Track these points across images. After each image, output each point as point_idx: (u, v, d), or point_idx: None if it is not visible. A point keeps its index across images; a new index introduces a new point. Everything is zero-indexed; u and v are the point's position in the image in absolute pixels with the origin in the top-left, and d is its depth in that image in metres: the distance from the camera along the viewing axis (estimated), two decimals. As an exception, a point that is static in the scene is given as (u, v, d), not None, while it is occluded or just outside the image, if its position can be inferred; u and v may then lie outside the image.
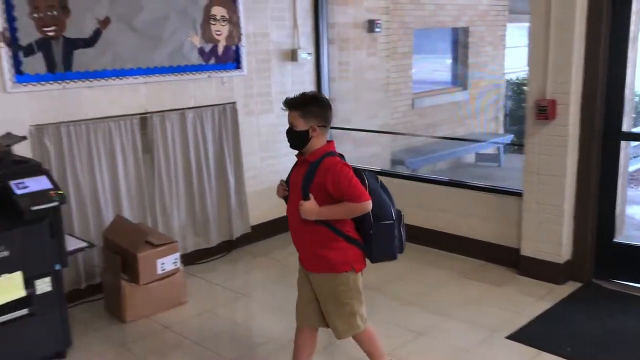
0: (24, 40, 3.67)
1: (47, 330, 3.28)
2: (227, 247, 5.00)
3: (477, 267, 4.60)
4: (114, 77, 4.11)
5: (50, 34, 3.77)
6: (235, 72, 4.85)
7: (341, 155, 2.78)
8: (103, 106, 4.10)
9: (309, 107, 2.68)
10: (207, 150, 4.73)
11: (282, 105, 2.76)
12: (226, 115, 4.83)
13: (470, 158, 8.40)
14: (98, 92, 4.06)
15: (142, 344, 3.59)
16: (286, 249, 5.08)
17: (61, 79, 3.86)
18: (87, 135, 4.02)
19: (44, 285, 3.21)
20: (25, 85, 3.71)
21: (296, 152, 2.80)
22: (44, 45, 3.75)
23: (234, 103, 4.87)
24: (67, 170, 3.96)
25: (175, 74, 4.45)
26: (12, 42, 3.62)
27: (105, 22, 3.98)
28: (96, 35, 3.96)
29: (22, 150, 3.55)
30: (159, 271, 3.84)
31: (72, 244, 3.51)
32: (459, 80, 8.37)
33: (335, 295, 2.76)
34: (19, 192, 3.08)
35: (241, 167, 4.98)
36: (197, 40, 4.54)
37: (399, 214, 2.80)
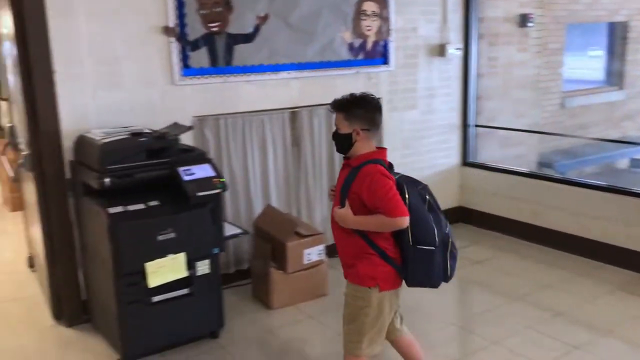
0: (191, 36, 3.90)
1: (203, 310, 3.46)
2: (367, 242, 5.01)
3: (637, 280, 4.23)
4: (269, 72, 4.25)
5: (215, 29, 3.97)
6: (382, 68, 4.83)
7: (390, 165, 2.61)
8: (258, 100, 4.26)
9: (354, 110, 2.55)
10: (351, 145, 4.76)
11: (329, 107, 2.65)
12: (371, 110, 4.82)
13: (622, 164, 7.77)
14: (254, 87, 4.22)
15: (287, 331, 3.69)
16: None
17: (222, 73, 4.06)
18: (242, 128, 4.21)
19: (203, 267, 3.39)
20: (190, 79, 3.95)
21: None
22: (208, 40, 3.96)
23: (379, 99, 4.83)
24: (223, 160, 4.16)
25: (325, 69, 4.52)
26: (181, 37, 3.86)
27: (265, 18, 4.13)
28: (255, 31, 4.12)
29: (185, 139, 3.78)
30: (305, 261, 3.93)
31: (228, 230, 3.68)
32: (615, 78, 7.74)
33: (351, 307, 2.60)
34: (186, 178, 3.28)
35: (383, 163, 4.96)
36: (347, 36, 4.57)
37: (445, 239, 2.55)
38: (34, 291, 4.32)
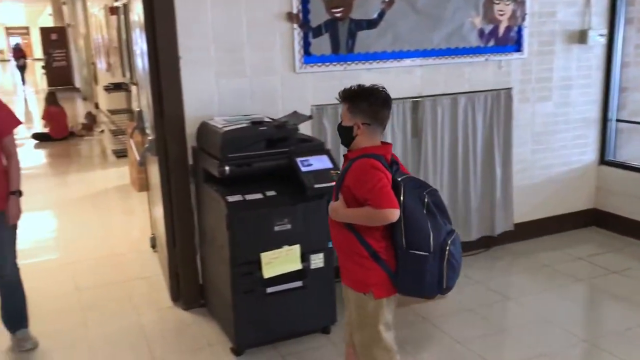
0: (314, 22, 3.79)
1: (316, 304, 3.38)
2: (487, 242, 4.70)
3: None
4: (392, 60, 4.06)
5: (338, 15, 3.84)
6: (515, 55, 4.47)
7: (393, 163, 2.41)
8: (379, 88, 4.09)
9: (357, 102, 2.37)
10: (475, 138, 4.46)
11: (337, 96, 2.45)
12: (500, 101, 4.49)
13: None
14: (376, 75, 4.04)
15: (403, 333, 3.50)
16: (554, 252, 4.62)
17: (343, 60, 3.92)
18: (361, 117, 4.05)
19: (317, 260, 3.30)
20: (311, 66, 3.85)
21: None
22: (331, 26, 3.84)
23: (509, 89, 4.51)
24: (340, 151, 4.02)
25: (452, 56, 4.25)
26: (304, 24, 3.77)
27: (391, 3, 3.93)
28: (380, 16, 3.94)
29: (303, 128, 3.69)
30: (423, 261, 3.72)
31: (343, 223, 3.55)
32: None
33: (355, 314, 2.50)
34: (304, 169, 3.19)
35: (510, 158, 4.61)
36: (477, 21, 4.26)
37: (443, 246, 2.30)
38: (155, 271, 4.47)
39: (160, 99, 3.58)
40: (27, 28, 39.77)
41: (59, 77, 19.00)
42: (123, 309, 3.93)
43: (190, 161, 3.67)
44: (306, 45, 3.80)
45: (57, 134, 10.27)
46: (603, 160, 5.01)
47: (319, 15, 3.79)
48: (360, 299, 2.44)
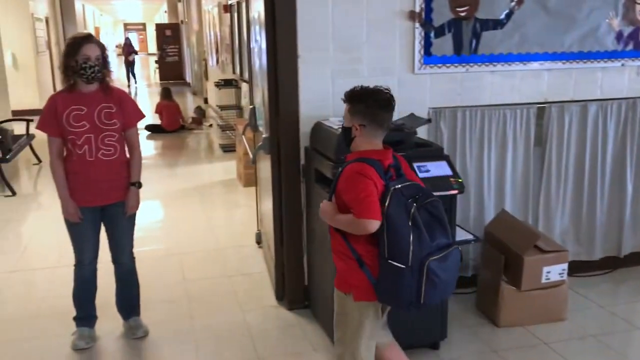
0: (436, 21, 3.62)
1: (427, 318, 3.22)
2: (611, 263, 4.31)
3: None
4: (517, 62, 3.81)
5: (462, 14, 3.64)
6: (657, 61, 4.06)
7: (390, 168, 2.34)
8: (502, 93, 3.85)
9: (356, 104, 2.38)
10: (605, 150, 4.11)
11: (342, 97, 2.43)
12: (635, 111, 4.10)
13: None
14: (499, 78, 3.82)
15: (516, 355, 3.29)
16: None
17: (465, 61, 3.72)
18: (480, 122, 3.83)
19: (430, 272, 3.13)
20: (431, 67, 3.68)
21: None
22: (454, 26, 3.65)
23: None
24: (457, 157, 3.84)
25: (584, 60, 3.92)
26: (426, 23, 3.61)
27: (520, 1, 3.68)
28: (508, 16, 3.70)
29: (418, 132, 3.53)
30: (543, 280, 3.46)
31: (458, 234, 3.36)
32: None
33: (336, 311, 2.54)
34: (421, 175, 3.03)
35: (644, 173, 4.21)
36: (615, 23, 3.91)
37: (423, 261, 2.21)
38: (259, 268, 4.49)
39: (277, 97, 3.55)
40: (143, 24, 42.13)
41: (171, 71, 19.90)
42: (228, 304, 3.95)
43: (302, 161, 3.62)
44: (427, 45, 3.63)
45: (169, 126, 10.70)
46: None
47: (442, 14, 3.61)
48: (341, 298, 2.47)
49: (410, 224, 2.24)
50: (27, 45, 12.88)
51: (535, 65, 3.84)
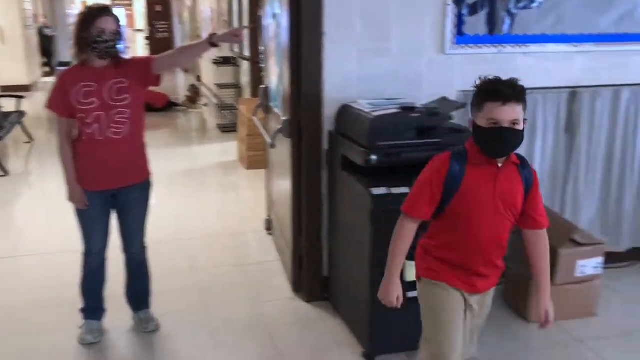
0: (470, -2, 3.41)
1: (459, 314, 3.05)
2: (638, 255, 4.18)
3: None
4: (551, 44, 3.61)
5: (497, -9, 3.43)
6: (693, 45, 3.88)
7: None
8: (534, 76, 3.63)
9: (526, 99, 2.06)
10: (636, 138, 3.93)
11: (498, 95, 1.98)
12: (669, 97, 3.93)
13: None
14: (532, 60, 3.61)
15: (551, 353, 3.14)
16: None
17: (498, 42, 3.52)
18: (510, 107, 3.64)
19: (465, 266, 2.96)
20: (463, 47, 3.47)
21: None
22: (489, 3, 3.43)
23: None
24: (485, 143, 3.65)
25: (620, 43, 3.73)
26: (459, 0, 3.38)
27: (563, -22, 3.47)
28: (546, -7, 3.49)
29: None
30: (578, 273, 3.31)
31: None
32: None
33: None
34: (459, 164, 2.85)
35: (675, 163, 4.05)
36: (654, 3, 3.72)
37: None
38: (271, 256, 4.29)
39: (299, 77, 3.32)
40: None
41: (161, 48, 19.18)
42: (243, 295, 3.76)
43: (326, 146, 3.41)
44: (460, 23, 3.42)
45: (156, 103, 10.11)
46: None
47: (476, -9, 3.40)
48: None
49: None
50: (14, 19, 12.43)
51: (569, 47, 3.64)
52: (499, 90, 2.00)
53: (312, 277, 3.63)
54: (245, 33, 5.06)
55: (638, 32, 3.72)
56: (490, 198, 2.10)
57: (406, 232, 2.19)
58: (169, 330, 3.35)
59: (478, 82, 2.11)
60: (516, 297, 3.51)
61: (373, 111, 2.95)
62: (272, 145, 3.65)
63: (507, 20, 3.48)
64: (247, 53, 8.01)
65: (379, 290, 2.27)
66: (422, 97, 3.37)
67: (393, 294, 2.24)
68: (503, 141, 2.04)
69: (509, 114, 1.99)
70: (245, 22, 7.76)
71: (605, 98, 3.80)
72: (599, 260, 3.34)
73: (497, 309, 3.53)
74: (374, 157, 2.84)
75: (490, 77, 2.08)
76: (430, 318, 2.29)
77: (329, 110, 3.35)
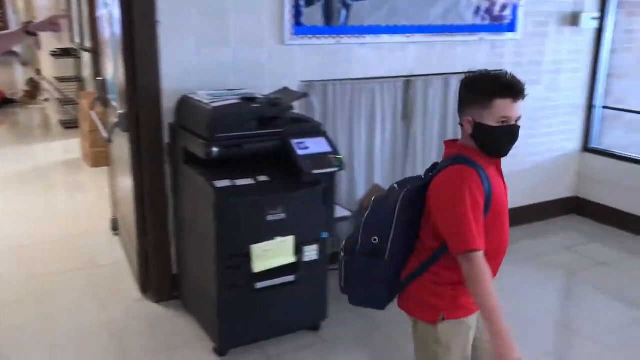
0: (306, -11, 3.45)
1: (308, 300, 3.11)
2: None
3: None
4: (385, 35, 3.77)
5: (332, -17, 3.50)
6: (509, 36, 4.25)
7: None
8: (371, 66, 3.80)
9: None
10: (465, 122, 4.25)
11: (510, 92, 1.85)
12: (491, 84, 4.28)
13: None
14: (369, 50, 3.75)
15: (397, 327, 3.29)
16: (538, 241, 4.52)
17: (336, 33, 3.60)
18: (350, 96, 3.75)
19: (311, 253, 3.01)
20: (302, 38, 3.51)
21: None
22: (325, -5, 3.51)
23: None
24: (328, 132, 3.72)
25: (447, 34, 3.99)
26: (296, -10, 3.42)
27: (389, -29, 3.63)
28: (378, -14, 3.63)
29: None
30: (417, 252, 3.50)
31: (337, 212, 3.27)
32: None
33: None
34: (300, 152, 2.89)
35: (498, 144, 4.42)
36: (474, -3, 4.02)
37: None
38: (118, 258, 4.08)
39: (134, 69, 3.16)
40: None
41: (-5, 39, 17.70)
42: (87, 301, 3.54)
43: (167, 139, 3.29)
44: (298, 14, 3.45)
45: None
46: (586, 147, 4.91)
47: (314, -18, 3.45)
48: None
49: None
50: None
51: (402, 38, 3.83)
52: (512, 86, 1.86)
53: (160, 276, 3.50)
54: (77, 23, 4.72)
55: (462, 24, 4.00)
56: (505, 198, 1.99)
57: (487, 270, 1.84)
58: (3, 348, 3.05)
59: (474, 78, 1.94)
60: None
61: (212, 102, 2.89)
62: (109, 140, 3.46)
63: (343, 12, 3.58)
64: (87, 44, 7.52)
65: (501, 352, 1.82)
66: (264, 88, 3.37)
67: (517, 349, 1.83)
68: (514, 139, 1.93)
69: (517, 111, 1.89)
70: (85, 11, 7.27)
71: (437, 86, 4.06)
72: (436, 238, 3.55)
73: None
74: (215, 149, 2.78)
75: (484, 72, 1.94)
76: (444, 355, 2.02)
77: (169, 102, 3.23)
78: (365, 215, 2.02)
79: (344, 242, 2.10)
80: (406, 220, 1.97)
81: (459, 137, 2.05)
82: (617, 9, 4.65)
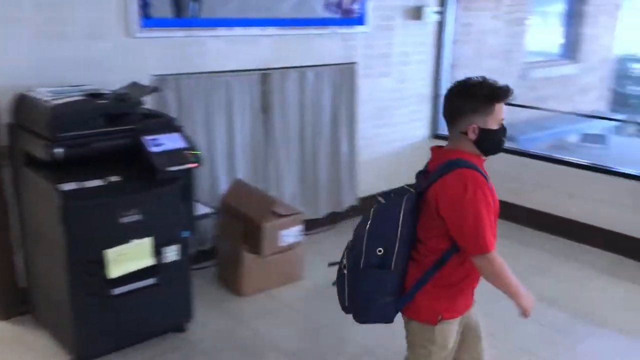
0: (152, -20, 3.32)
1: (171, 302, 3.01)
2: (334, 219, 4.65)
3: (617, 263, 4.13)
4: (238, 27, 3.74)
5: (178, -27, 3.40)
6: (359, 29, 4.41)
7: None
8: (225, 59, 3.75)
9: None
10: (322, 113, 4.35)
11: (505, 95, 1.99)
12: (345, 76, 4.41)
13: (573, 138, 7.79)
14: (223, 43, 3.70)
15: (261, 322, 3.30)
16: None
17: (187, 25, 3.51)
18: (206, 90, 3.69)
19: (171, 253, 2.92)
20: (151, 31, 3.38)
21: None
22: (172, -14, 3.40)
23: (353, 64, 4.44)
24: (185, 127, 3.62)
25: (300, 27, 4.05)
26: (141, -19, 3.28)
27: (238, -36, 3.60)
28: (227, -22, 3.58)
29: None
30: (281, 243, 3.53)
31: (197, 208, 3.20)
32: (570, 52, 7.68)
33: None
34: (153, 149, 2.78)
35: (355, 134, 4.57)
36: (323, -9, 4.11)
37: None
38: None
39: (-40, 64, 2.86)
40: None
41: None
42: None
43: (5, 141, 3.01)
44: (145, 5, 3.31)
45: None
46: (435, 134, 5.24)
47: (158, -28, 3.33)
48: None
49: None
50: None
51: (255, 30, 3.82)
52: (506, 90, 1.97)
53: (6, 291, 3.21)
54: None
55: (312, 17, 4.08)
56: (496, 196, 2.03)
57: (504, 262, 1.97)
58: None
59: (467, 86, 2.01)
60: (226, 275, 3.62)
61: (54, 99, 2.70)
62: None
63: (194, 4, 3.49)
64: None
65: (524, 305, 2.01)
66: (113, 83, 3.18)
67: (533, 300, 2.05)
68: (506, 136, 2.06)
69: (501, 112, 2.01)
70: None
71: (293, 78, 4.10)
72: (299, 228, 3.61)
73: (212, 289, 3.63)
74: (59, 150, 2.59)
75: (469, 80, 2.02)
76: (437, 353, 2.10)
77: (5, 100, 2.96)
78: (368, 225, 2.01)
79: (344, 258, 2.12)
80: (409, 226, 2.01)
81: (447, 141, 2.10)
82: (456, 3, 4.99)
